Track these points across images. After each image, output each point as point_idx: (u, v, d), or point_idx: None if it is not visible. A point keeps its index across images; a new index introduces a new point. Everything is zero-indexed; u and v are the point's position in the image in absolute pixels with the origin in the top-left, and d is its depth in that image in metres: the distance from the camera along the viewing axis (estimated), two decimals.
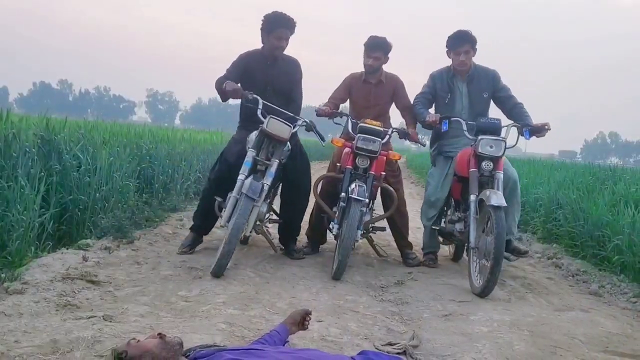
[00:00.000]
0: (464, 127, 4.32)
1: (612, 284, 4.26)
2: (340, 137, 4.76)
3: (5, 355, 2.21)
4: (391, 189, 4.56)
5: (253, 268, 4.09)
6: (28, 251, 3.68)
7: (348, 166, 4.28)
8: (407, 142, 5.11)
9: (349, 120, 4.56)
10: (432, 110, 4.74)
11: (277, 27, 4.43)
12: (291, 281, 3.85)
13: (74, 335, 2.47)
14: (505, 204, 3.79)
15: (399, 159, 4.72)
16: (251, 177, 3.96)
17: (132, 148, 6.50)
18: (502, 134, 4.21)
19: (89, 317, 2.73)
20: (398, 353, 2.51)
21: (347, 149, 4.40)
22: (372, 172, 4.27)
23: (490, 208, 3.70)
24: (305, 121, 4.36)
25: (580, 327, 3.23)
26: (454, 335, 2.96)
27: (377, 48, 4.74)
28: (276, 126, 4.09)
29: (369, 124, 4.32)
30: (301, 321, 2.43)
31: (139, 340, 1.90)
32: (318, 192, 4.62)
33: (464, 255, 4.74)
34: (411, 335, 2.86)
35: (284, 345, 2.30)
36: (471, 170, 4.10)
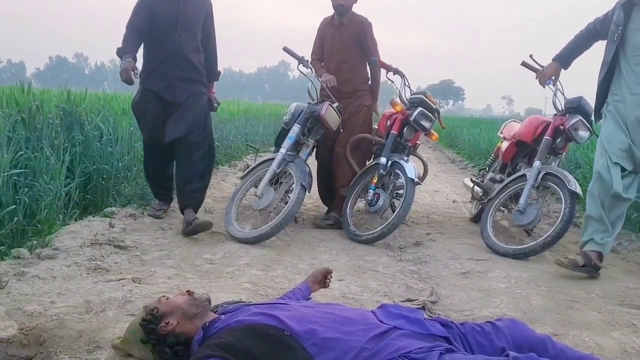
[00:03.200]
0: (555, 92, 4.07)
1: (630, 240, 4.29)
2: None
3: (42, 315, 2.32)
4: (423, 159, 4.59)
5: None
6: (56, 219, 3.79)
7: (394, 132, 4.29)
8: None
9: (404, 83, 4.47)
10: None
11: None
12: (311, 244, 3.94)
13: (106, 296, 2.58)
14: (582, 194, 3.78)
15: (436, 140, 4.71)
16: (303, 163, 4.07)
17: None
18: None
19: (119, 280, 2.84)
20: (417, 308, 2.58)
21: (398, 115, 4.35)
22: (410, 144, 4.30)
23: (568, 193, 3.72)
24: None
25: (597, 282, 3.27)
26: (471, 292, 3.04)
27: None
28: (332, 117, 4.17)
29: (429, 99, 4.31)
30: (322, 279, 2.50)
31: (168, 298, 1.99)
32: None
33: None
34: (430, 291, 2.94)
35: (306, 301, 2.38)
36: (546, 137, 4.03)
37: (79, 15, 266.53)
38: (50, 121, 4.41)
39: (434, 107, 4.30)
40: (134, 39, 3.95)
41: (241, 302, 2.19)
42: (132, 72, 3.79)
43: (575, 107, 4.01)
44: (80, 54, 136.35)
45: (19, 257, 3.05)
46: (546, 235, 3.71)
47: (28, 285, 2.66)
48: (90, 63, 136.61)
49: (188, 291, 2.01)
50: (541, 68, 3.99)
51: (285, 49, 4.28)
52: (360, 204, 4.53)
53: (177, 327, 1.88)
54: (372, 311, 2.00)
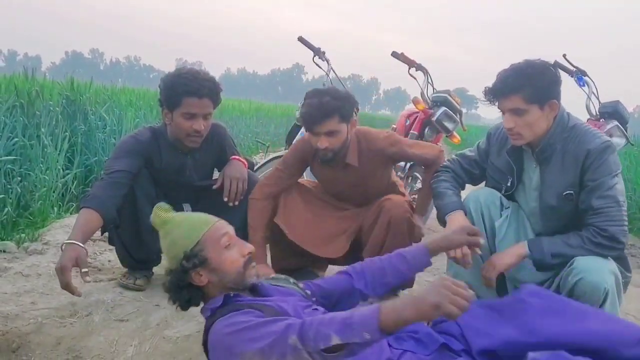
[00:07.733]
0: (589, 95, 3.82)
1: None
2: None
3: (19, 317, 2.09)
4: None
5: None
6: (51, 212, 3.58)
7: (415, 132, 3.97)
8: None
9: (427, 80, 4.08)
10: None
11: (186, 95, 2.30)
12: None
13: (94, 298, 2.35)
14: None
15: (458, 143, 4.41)
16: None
17: (158, 110, 6.39)
18: None
19: (110, 280, 2.60)
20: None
21: (420, 114, 4.02)
22: None
23: None
24: None
25: (632, 302, 2.99)
26: None
27: (325, 116, 2.30)
28: None
29: (453, 98, 4.01)
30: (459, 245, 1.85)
31: (229, 245, 1.55)
32: None
33: None
34: None
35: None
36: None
37: (95, 11, 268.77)
38: (51, 109, 4.19)
39: (458, 107, 4.01)
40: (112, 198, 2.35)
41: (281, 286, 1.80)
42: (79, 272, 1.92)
43: (611, 112, 3.71)
44: (96, 49, 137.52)
45: (4, 251, 2.84)
46: None
47: (9, 282, 2.44)
48: (106, 59, 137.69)
49: (250, 253, 1.58)
50: None
51: (301, 39, 4.03)
52: None
53: (206, 286, 1.55)
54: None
